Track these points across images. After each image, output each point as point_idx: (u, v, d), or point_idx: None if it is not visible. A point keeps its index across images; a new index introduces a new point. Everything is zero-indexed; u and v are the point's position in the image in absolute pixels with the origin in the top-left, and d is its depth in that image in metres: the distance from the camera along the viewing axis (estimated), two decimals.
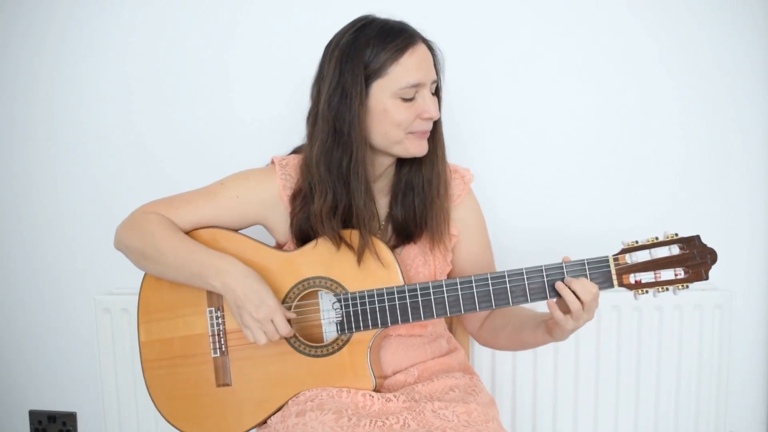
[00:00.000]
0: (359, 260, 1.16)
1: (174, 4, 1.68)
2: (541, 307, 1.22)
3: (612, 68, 1.62)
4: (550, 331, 1.15)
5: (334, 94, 1.13)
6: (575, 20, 1.61)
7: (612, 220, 1.66)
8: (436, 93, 1.21)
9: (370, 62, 1.12)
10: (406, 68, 1.13)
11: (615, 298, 1.59)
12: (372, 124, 1.15)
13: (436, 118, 1.18)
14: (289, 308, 1.19)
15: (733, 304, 1.61)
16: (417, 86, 1.14)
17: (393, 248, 1.21)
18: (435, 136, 1.22)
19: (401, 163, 1.24)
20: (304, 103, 1.22)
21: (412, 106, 1.14)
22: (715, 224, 1.65)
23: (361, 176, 1.15)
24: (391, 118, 1.14)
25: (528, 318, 1.23)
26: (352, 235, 1.17)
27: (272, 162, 1.27)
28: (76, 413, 1.83)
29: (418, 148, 1.17)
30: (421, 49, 1.15)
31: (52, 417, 1.84)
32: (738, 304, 1.65)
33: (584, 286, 1.08)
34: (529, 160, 1.66)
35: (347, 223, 1.18)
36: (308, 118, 1.20)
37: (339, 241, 1.17)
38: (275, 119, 1.67)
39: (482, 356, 1.62)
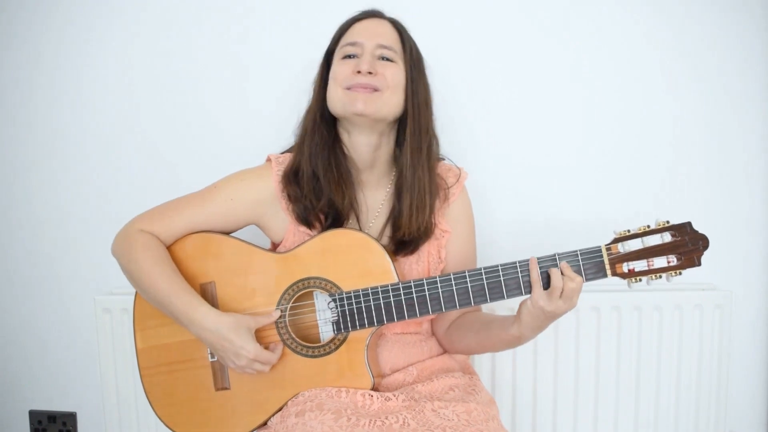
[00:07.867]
0: (349, 260, 1.16)
1: None
2: None
3: (606, 61, 1.61)
4: (519, 317, 1.13)
5: (315, 85, 1.25)
6: (570, 14, 1.61)
7: (606, 220, 1.64)
8: (391, 62, 1.20)
9: (332, 44, 1.25)
10: (350, 33, 1.21)
11: (615, 298, 1.58)
12: (328, 92, 1.21)
13: (365, 71, 1.17)
14: (284, 310, 1.19)
15: (733, 304, 1.60)
16: (355, 44, 1.20)
17: (388, 243, 1.21)
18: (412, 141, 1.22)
19: (397, 158, 1.25)
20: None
21: (351, 62, 1.19)
22: (715, 224, 1.64)
23: (341, 166, 1.21)
24: (335, 78, 1.20)
25: (499, 316, 1.23)
26: (340, 233, 1.17)
27: (268, 160, 1.27)
28: (76, 413, 1.84)
29: (352, 103, 1.17)
30: (372, 20, 1.23)
31: (52, 417, 1.84)
32: (738, 304, 1.65)
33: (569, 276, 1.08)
34: (520, 152, 1.65)
35: (338, 221, 1.19)
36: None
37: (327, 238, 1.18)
38: (280, 116, 1.66)
39: (482, 356, 1.62)
